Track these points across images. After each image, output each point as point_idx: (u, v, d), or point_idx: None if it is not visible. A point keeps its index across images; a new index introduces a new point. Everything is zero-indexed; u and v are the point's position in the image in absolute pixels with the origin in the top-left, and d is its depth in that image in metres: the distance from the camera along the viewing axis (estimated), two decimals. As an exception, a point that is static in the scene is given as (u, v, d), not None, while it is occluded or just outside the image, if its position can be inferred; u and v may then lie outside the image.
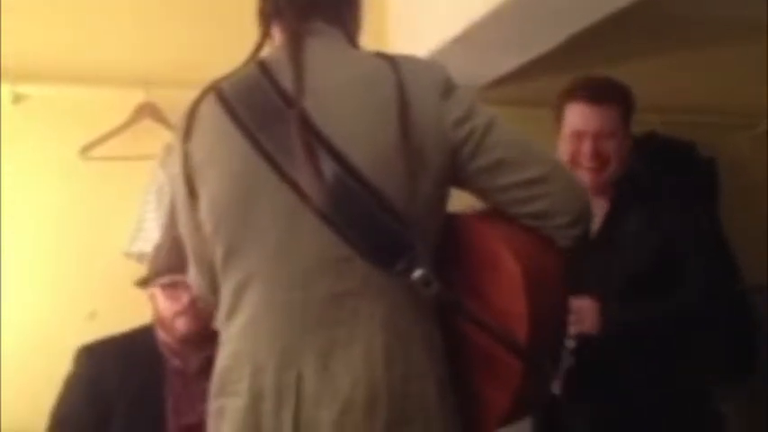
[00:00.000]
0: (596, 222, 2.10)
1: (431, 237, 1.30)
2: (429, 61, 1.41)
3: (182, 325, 2.02)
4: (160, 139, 2.57)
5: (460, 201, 1.40)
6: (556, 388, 2.00)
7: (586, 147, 2.08)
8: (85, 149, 2.61)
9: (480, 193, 1.36)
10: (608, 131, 2.08)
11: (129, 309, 2.19)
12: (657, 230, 2.06)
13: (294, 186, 1.24)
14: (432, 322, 1.30)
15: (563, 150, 2.13)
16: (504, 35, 2.51)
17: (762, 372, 2.44)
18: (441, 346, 1.30)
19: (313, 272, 1.25)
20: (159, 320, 2.08)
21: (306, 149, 1.23)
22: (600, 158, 2.08)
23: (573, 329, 1.94)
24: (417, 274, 1.24)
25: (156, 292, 2.06)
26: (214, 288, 1.36)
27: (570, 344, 2.00)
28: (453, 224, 1.36)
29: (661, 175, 2.39)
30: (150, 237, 2.50)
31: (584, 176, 2.06)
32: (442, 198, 1.33)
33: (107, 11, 2.69)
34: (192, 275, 1.43)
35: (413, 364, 1.25)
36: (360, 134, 1.26)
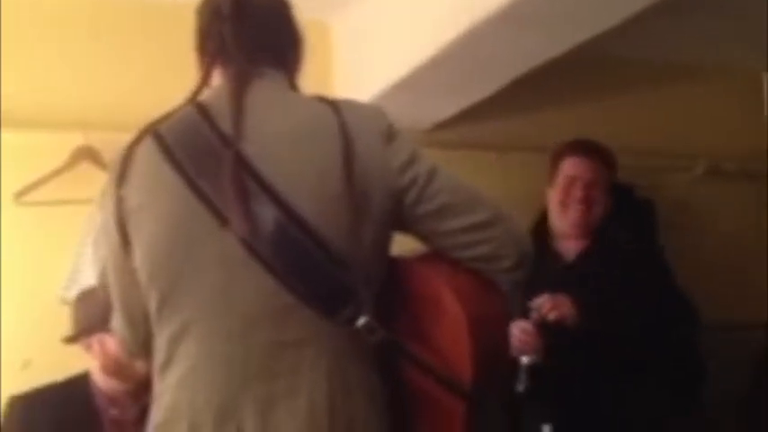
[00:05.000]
0: (570, 257, 2.46)
1: (374, 282, 1.29)
2: (371, 106, 1.41)
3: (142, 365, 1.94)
4: (98, 183, 2.48)
5: (403, 244, 1.40)
6: (520, 386, 2.12)
7: (577, 190, 2.45)
8: (21, 194, 2.54)
9: (424, 237, 1.35)
10: (596, 181, 2.47)
11: (64, 357, 2.13)
12: (622, 275, 2.33)
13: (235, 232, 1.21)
14: (374, 368, 1.28)
15: (553, 196, 2.50)
16: (445, 80, 2.55)
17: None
18: (383, 393, 1.28)
19: (253, 321, 1.22)
20: (112, 366, 2.00)
21: (236, 190, 1.20)
22: (587, 202, 2.44)
23: (551, 316, 2.16)
24: (362, 321, 1.22)
25: (105, 338, 1.98)
26: (141, 338, 1.32)
27: (525, 360, 2.13)
28: (395, 267, 1.35)
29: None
30: (87, 282, 2.43)
31: (572, 216, 2.45)
32: (386, 243, 1.32)
33: (43, 54, 2.65)
34: (117, 325, 1.38)
35: (356, 414, 1.23)
36: (304, 181, 1.24)
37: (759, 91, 3.34)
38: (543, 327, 2.16)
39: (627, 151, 2.63)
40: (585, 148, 2.52)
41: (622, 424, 2.22)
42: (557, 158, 2.55)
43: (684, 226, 3.00)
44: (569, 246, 2.49)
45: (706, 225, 3.21)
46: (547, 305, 2.17)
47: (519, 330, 2.14)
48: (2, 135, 2.53)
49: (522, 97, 2.85)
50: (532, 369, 2.13)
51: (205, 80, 1.37)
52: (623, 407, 2.23)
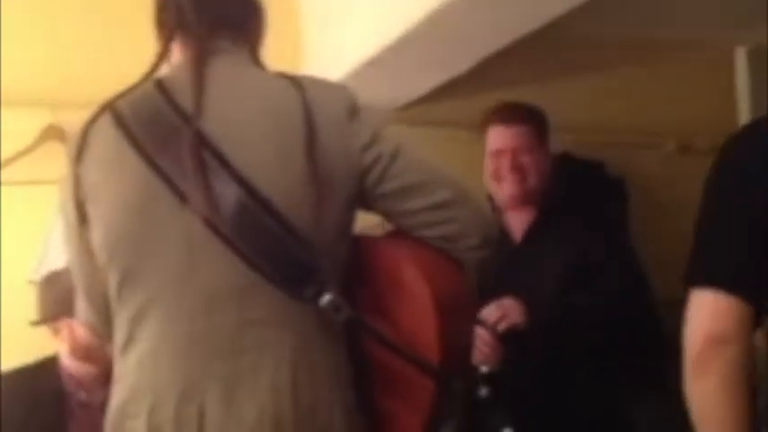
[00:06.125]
0: (518, 235, 2.33)
1: (339, 261, 1.29)
2: (335, 84, 1.40)
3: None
4: (68, 162, 2.49)
5: (368, 221, 1.40)
6: (482, 391, 2.01)
7: (506, 162, 2.30)
8: (-13, 173, 2.51)
9: (388, 215, 1.35)
10: (523, 147, 2.31)
11: (34, 340, 2.11)
12: (572, 246, 2.24)
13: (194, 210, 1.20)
14: (340, 347, 1.28)
15: (487, 167, 2.35)
16: (417, 57, 2.53)
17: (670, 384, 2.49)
18: (348, 372, 1.28)
19: (217, 300, 1.21)
20: (81, 351, 1.99)
21: (195, 167, 1.19)
22: (519, 171, 2.30)
23: (502, 325, 2.04)
24: (326, 299, 1.21)
25: (73, 323, 1.97)
26: (105, 319, 1.30)
27: (484, 369, 2.05)
28: (360, 246, 1.35)
29: (574, 195, 2.47)
30: (55, 263, 2.41)
31: (507, 188, 2.30)
32: (350, 221, 1.32)
33: (11, 31, 2.60)
34: (81, 308, 1.37)
35: (320, 393, 1.23)
36: (266, 159, 1.23)
37: (730, 67, 3.34)
38: (502, 335, 2.05)
39: (598, 128, 2.63)
40: (506, 116, 2.35)
41: (584, 422, 2.15)
42: (483, 128, 2.39)
43: (655, 203, 3.02)
44: (515, 218, 2.34)
45: (677, 202, 3.22)
46: (495, 315, 2.05)
47: (480, 342, 2.04)
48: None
49: (498, 74, 2.84)
50: (490, 376, 2.04)
51: (163, 54, 1.35)
52: (584, 404, 2.15)
